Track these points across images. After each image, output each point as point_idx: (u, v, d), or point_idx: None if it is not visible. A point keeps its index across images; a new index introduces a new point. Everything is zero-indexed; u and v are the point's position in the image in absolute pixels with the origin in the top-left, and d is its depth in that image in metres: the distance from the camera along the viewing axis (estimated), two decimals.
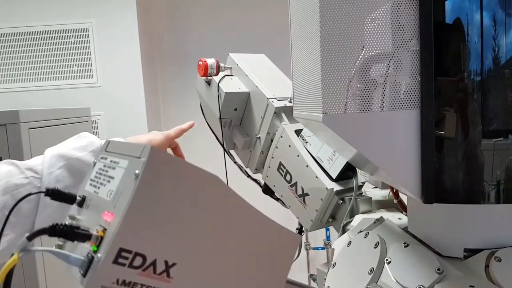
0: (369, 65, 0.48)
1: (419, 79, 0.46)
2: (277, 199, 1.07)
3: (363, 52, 0.47)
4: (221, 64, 1.08)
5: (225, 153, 1.17)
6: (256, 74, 1.07)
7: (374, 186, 0.96)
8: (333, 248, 0.79)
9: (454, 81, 0.46)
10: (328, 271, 0.71)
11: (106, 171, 0.30)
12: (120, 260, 0.24)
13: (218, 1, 2.53)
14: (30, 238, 0.25)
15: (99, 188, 0.30)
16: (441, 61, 0.45)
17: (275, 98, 1.01)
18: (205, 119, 1.21)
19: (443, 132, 0.46)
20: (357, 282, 0.59)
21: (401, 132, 0.47)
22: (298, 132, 0.99)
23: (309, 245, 2.67)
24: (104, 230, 0.25)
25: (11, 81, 2.32)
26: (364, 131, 0.47)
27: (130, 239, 0.25)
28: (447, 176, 0.47)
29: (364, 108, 0.47)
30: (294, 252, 0.34)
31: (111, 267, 0.24)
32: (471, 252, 0.53)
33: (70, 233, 0.26)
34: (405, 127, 0.46)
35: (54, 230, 0.26)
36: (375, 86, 0.47)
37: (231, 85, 1.07)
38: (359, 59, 0.46)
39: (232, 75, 1.11)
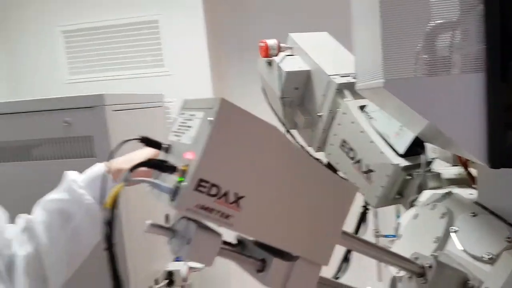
0: (433, 30, 0.47)
1: (484, 43, 0.44)
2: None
3: (427, 15, 0.46)
4: (282, 45, 1.09)
5: (287, 133, 1.19)
6: (317, 52, 1.07)
7: (445, 166, 0.91)
8: (399, 223, 0.79)
9: None
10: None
11: (185, 122, 0.37)
12: (200, 189, 0.30)
13: None
14: (132, 169, 0.32)
15: (181, 136, 0.37)
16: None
17: (337, 75, 1.01)
18: (267, 101, 1.23)
19: None
20: (421, 250, 0.59)
21: (466, 95, 0.46)
22: (362, 108, 0.97)
23: (378, 232, 2.52)
24: (187, 165, 0.31)
25: (91, 71, 2.54)
26: (426, 95, 0.47)
27: (207, 172, 0.31)
28: None
29: (427, 71, 0.46)
30: (351, 201, 0.37)
31: (194, 194, 0.30)
32: None
33: (162, 165, 0.33)
34: (470, 90, 0.45)
35: (150, 163, 0.33)
36: (439, 50, 0.47)
37: (291, 64, 1.08)
38: (420, 22, 0.46)
39: (293, 55, 1.12)
